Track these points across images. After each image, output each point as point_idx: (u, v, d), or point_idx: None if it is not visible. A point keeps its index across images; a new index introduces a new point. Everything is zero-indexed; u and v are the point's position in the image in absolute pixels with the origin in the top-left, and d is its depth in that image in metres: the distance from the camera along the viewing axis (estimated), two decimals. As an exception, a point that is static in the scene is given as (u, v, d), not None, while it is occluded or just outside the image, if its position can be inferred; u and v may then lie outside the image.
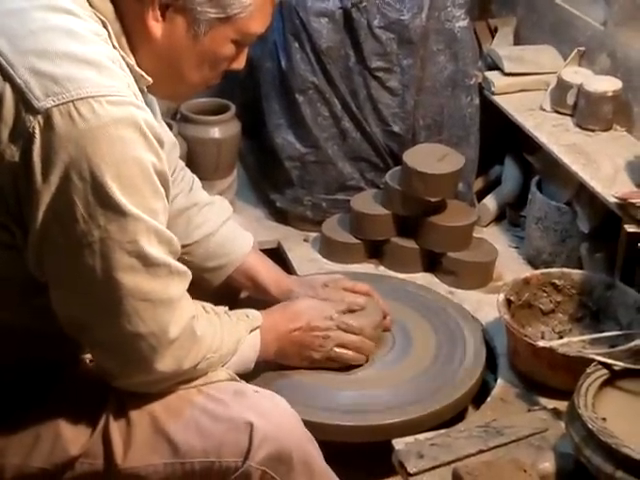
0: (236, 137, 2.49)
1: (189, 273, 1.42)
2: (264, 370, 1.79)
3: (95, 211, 1.25)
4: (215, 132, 2.45)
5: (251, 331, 1.62)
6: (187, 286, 1.41)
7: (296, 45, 2.37)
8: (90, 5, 1.33)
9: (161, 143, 1.32)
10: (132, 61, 1.36)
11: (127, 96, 1.27)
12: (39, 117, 1.22)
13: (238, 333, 1.58)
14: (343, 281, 1.93)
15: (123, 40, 1.35)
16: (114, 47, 1.34)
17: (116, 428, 1.43)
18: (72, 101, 1.22)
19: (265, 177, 2.60)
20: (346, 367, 1.85)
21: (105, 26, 1.33)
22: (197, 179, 1.88)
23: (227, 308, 1.61)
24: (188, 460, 1.43)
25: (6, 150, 1.24)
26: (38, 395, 1.44)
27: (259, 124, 2.53)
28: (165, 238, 1.34)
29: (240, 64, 1.50)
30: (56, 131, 1.22)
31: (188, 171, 1.86)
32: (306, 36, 2.36)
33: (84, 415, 1.44)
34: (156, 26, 1.36)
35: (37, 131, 1.22)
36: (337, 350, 1.80)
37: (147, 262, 1.31)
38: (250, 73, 2.63)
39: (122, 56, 1.34)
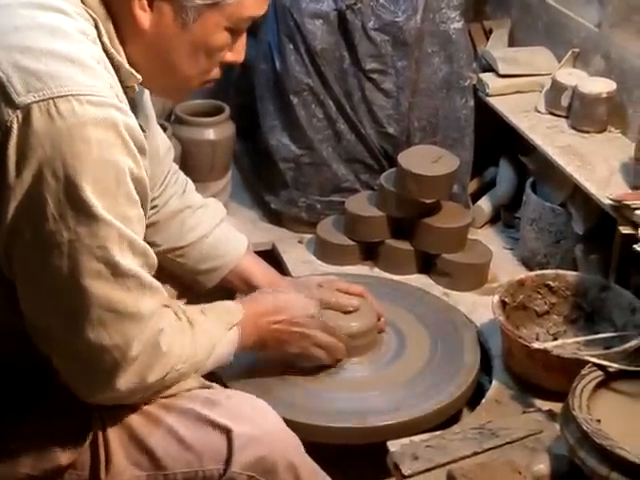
0: (230, 139, 2.49)
1: (162, 290, 1.38)
2: (260, 373, 1.80)
3: (66, 212, 1.22)
4: (209, 134, 2.45)
5: (230, 328, 1.57)
6: (160, 303, 1.37)
7: (290, 47, 2.37)
8: (82, 2, 1.32)
9: (141, 149, 1.29)
10: (123, 59, 1.34)
11: (108, 97, 1.25)
12: (18, 112, 1.20)
13: (215, 337, 1.52)
14: (337, 282, 1.93)
15: (114, 37, 1.33)
16: (103, 45, 1.32)
17: (101, 441, 1.42)
18: (52, 98, 1.20)
19: (260, 179, 2.60)
20: (316, 367, 1.84)
21: (96, 24, 1.32)
22: (190, 181, 1.87)
23: (206, 306, 1.55)
24: (171, 472, 1.42)
25: None
26: (28, 399, 1.43)
27: (253, 126, 2.53)
28: (139, 249, 1.31)
29: (238, 56, 1.46)
30: (34, 127, 1.20)
31: (181, 173, 1.85)
32: (300, 38, 2.36)
33: (74, 425, 1.42)
34: (143, 16, 1.34)
35: (15, 126, 1.20)
36: (311, 349, 1.77)
37: (116, 271, 1.27)
38: (244, 74, 2.63)
39: (111, 55, 1.33)
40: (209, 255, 1.80)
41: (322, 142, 2.43)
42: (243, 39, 1.45)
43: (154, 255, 1.36)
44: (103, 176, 1.23)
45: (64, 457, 1.41)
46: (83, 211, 1.23)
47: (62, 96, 1.20)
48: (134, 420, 1.43)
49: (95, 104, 1.22)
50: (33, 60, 1.22)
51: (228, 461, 1.40)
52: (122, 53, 1.34)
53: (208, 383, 1.53)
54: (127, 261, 1.29)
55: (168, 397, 1.46)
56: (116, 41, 1.34)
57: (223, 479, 1.41)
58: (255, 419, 1.45)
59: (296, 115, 2.41)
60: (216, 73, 1.47)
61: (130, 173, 1.27)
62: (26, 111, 1.20)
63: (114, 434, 1.42)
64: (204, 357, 1.49)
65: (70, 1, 1.31)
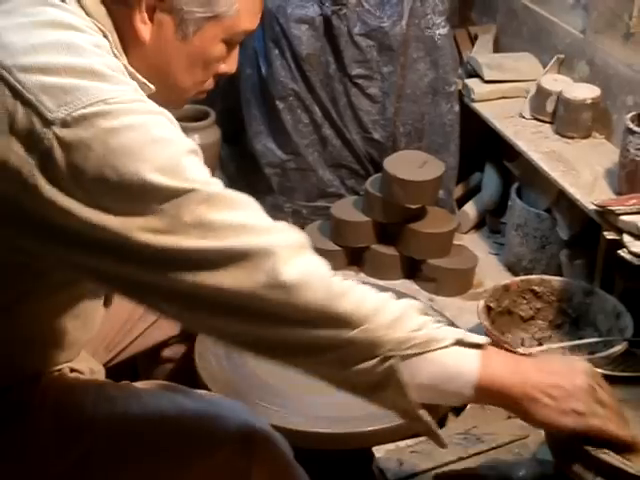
0: (216, 144, 2.49)
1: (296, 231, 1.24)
2: (245, 378, 1.79)
3: (143, 208, 1.16)
4: (195, 138, 2.44)
5: (464, 345, 1.18)
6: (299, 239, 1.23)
7: (276, 52, 2.37)
8: (88, 15, 1.33)
9: (177, 125, 1.26)
10: (132, 69, 1.35)
11: (136, 96, 1.24)
12: (54, 128, 1.20)
13: (431, 328, 1.17)
14: None
15: (120, 48, 1.35)
16: (116, 57, 1.33)
17: (98, 454, 1.39)
18: (84, 107, 1.20)
19: (245, 184, 2.59)
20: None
21: (106, 36, 1.33)
22: None
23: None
24: None
25: (24, 165, 1.21)
26: (17, 409, 1.42)
27: (239, 131, 2.53)
28: (231, 198, 1.21)
29: (231, 67, 1.46)
30: (76, 136, 1.17)
31: None
32: (286, 43, 2.36)
33: (62, 438, 1.41)
34: (144, 29, 1.35)
35: (55, 142, 1.19)
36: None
37: (213, 227, 1.16)
38: (230, 80, 2.63)
39: (125, 65, 1.34)
40: None
41: (308, 147, 2.43)
42: (236, 50, 1.47)
43: (255, 202, 1.25)
44: (160, 153, 1.18)
45: (54, 468, 1.39)
46: (166, 200, 1.16)
47: (93, 103, 1.20)
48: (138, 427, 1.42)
49: (126, 102, 1.21)
50: (56, 77, 1.22)
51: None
52: (129, 64, 1.35)
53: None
54: (223, 215, 1.18)
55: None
56: (123, 53, 1.35)
57: None
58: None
59: (282, 120, 2.41)
60: (210, 84, 1.48)
61: (184, 142, 1.23)
62: (62, 124, 1.20)
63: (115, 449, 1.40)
64: (401, 334, 1.14)
65: (79, 16, 1.32)
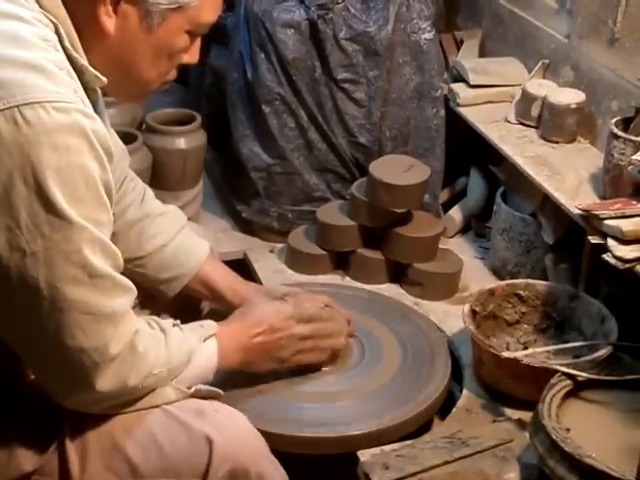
0: (202, 148, 2.48)
1: (134, 288, 1.39)
2: (230, 383, 1.79)
3: (39, 219, 1.22)
4: (181, 143, 2.44)
5: (205, 339, 1.57)
6: (132, 301, 1.38)
7: (262, 56, 2.37)
8: (40, 6, 1.31)
9: (109, 154, 1.30)
10: (86, 62, 1.34)
11: (74, 103, 1.25)
12: None
13: (189, 345, 1.52)
14: (302, 294, 1.92)
15: (76, 41, 1.33)
16: (65, 50, 1.31)
17: (73, 446, 1.41)
18: (17, 106, 1.20)
19: (231, 188, 2.59)
20: (314, 367, 1.85)
21: (56, 28, 1.31)
22: (149, 189, 1.84)
23: (178, 321, 1.56)
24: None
25: None
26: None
27: (225, 135, 2.53)
28: (110, 251, 1.32)
29: (193, 57, 1.48)
30: (1, 136, 1.20)
31: (139, 181, 1.82)
32: (272, 47, 2.36)
33: (39, 431, 1.41)
34: (109, 21, 1.34)
35: None
36: (300, 345, 1.76)
37: (92, 273, 1.28)
38: (216, 83, 2.63)
39: (74, 59, 1.32)
40: (170, 264, 1.79)
41: (294, 151, 2.43)
42: (198, 41, 1.47)
43: (121, 257, 1.36)
44: (73, 181, 1.23)
45: (28, 464, 1.40)
46: (57, 217, 1.23)
47: (27, 104, 1.20)
48: (115, 424, 1.42)
49: (61, 110, 1.22)
50: None
51: (205, 475, 1.40)
52: (84, 57, 1.34)
53: (187, 391, 1.51)
54: (100, 263, 1.29)
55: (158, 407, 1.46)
56: (78, 45, 1.33)
57: None
58: (232, 434, 1.44)
59: (268, 124, 2.41)
60: (173, 75, 1.49)
61: (99, 177, 1.27)
62: None
63: (91, 438, 1.41)
64: (180, 364, 1.48)
65: (28, 7, 1.30)
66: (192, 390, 1.50)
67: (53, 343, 1.30)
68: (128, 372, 1.37)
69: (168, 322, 1.53)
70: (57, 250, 1.24)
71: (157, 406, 1.45)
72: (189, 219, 2.00)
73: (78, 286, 1.28)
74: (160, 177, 2.40)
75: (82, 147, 1.24)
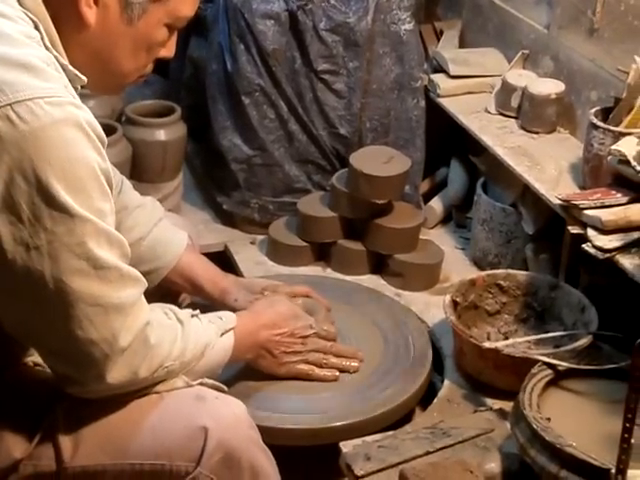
0: (182, 139, 2.48)
1: (142, 279, 1.39)
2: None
3: (41, 213, 1.23)
4: (161, 134, 2.43)
5: (223, 334, 1.59)
6: (141, 292, 1.39)
7: (242, 47, 2.36)
8: (20, 4, 1.31)
9: (103, 142, 1.31)
10: (65, 61, 1.34)
11: (65, 96, 1.26)
12: None
13: (207, 337, 1.53)
14: (282, 287, 1.93)
15: (56, 38, 1.33)
16: (47, 48, 1.32)
17: (65, 430, 1.41)
18: (10, 104, 1.21)
19: (211, 180, 2.58)
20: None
21: (37, 27, 1.31)
22: (126, 180, 1.83)
23: (198, 312, 1.57)
24: (137, 461, 1.41)
25: None
26: None
27: (205, 126, 2.52)
28: (116, 241, 1.32)
29: (170, 51, 1.49)
30: None
31: (117, 172, 1.81)
32: (252, 38, 2.35)
33: (28, 419, 1.42)
34: (89, 12, 1.34)
35: None
36: (310, 357, 1.83)
37: (97, 265, 1.29)
38: (195, 75, 2.62)
39: (56, 57, 1.32)
40: (147, 257, 1.78)
41: (274, 143, 2.43)
42: (175, 35, 1.48)
43: (128, 245, 1.37)
44: (73, 173, 1.24)
45: (17, 451, 1.40)
46: (58, 210, 1.24)
47: (19, 101, 1.21)
48: (111, 408, 1.42)
49: (54, 104, 1.23)
50: None
51: (199, 460, 1.40)
52: (64, 55, 1.34)
53: (192, 383, 1.51)
54: (106, 254, 1.30)
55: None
56: (58, 43, 1.33)
57: (188, 478, 1.40)
58: (228, 422, 1.44)
59: (248, 116, 2.40)
60: (150, 68, 1.50)
61: (99, 166, 1.28)
62: None
63: (85, 421, 1.41)
64: (194, 358, 1.50)
65: (9, 4, 1.30)
66: (198, 383, 1.50)
67: (63, 335, 1.31)
68: (139, 364, 1.38)
69: (187, 313, 1.54)
70: (60, 243, 1.25)
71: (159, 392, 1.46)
72: (169, 211, 1.99)
73: (84, 278, 1.28)
74: (140, 169, 2.39)
75: (79, 139, 1.25)
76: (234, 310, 1.76)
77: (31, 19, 1.31)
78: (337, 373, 1.86)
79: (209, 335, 1.55)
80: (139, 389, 1.43)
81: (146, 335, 1.38)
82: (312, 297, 1.93)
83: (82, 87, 1.42)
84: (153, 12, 1.38)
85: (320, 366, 1.84)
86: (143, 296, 1.40)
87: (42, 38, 1.31)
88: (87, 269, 1.28)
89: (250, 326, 1.69)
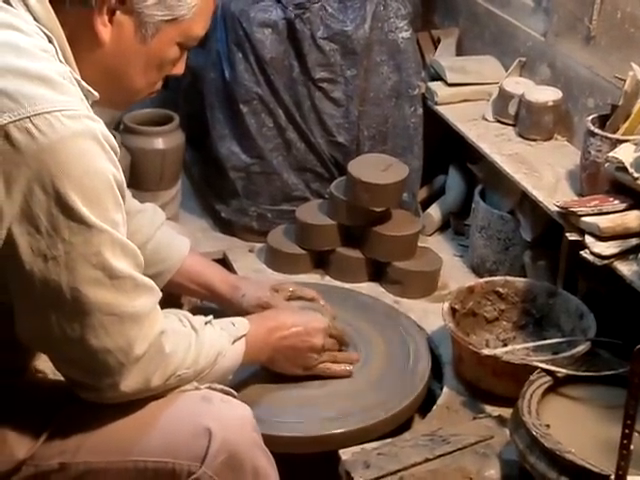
0: (180, 148, 2.48)
1: (157, 288, 1.41)
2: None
3: (59, 224, 1.25)
4: (159, 143, 2.43)
5: (235, 341, 1.61)
6: (156, 301, 1.40)
7: (240, 55, 2.37)
8: (35, 20, 1.33)
9: (117, 153, 1.33)
10: (78, 76, 1.36)
11: (82, 110, 1.28)
12: None
13: (220, 345, 1.55)
14: (289, 284, 1.97)
15: (69, 54, 1.35)
16: (61, 63, 1.33)
17: (70, 427, 1.42)
18: (29, 117, 1.23)
19: (210, 188, 2.59)
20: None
21: (51, 41, 1.33)
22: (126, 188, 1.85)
23: (211, 317, 1.58)
24: (141, 459, 1.42)
25: None
26: None
27: (203, 135, 2.52)
28: (130, 251, 1.34)
29: (180, 69, 1.51)
30: (16, 147, 1.22)
31: None
32: (249, 46, 2.36)
33: (33, 421, 1.42)
34: (104, 31, 1.36)
35: None
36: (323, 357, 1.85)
37: (112, 275, 1.30)
38: (194, 83, 2.63)
39: (70, 71, 1.34)
40: (151, 260, 1.79)
41: (272, 151, 2.43)
42: (185, 54, 1.50)
43: (141, 255, 1.38)
44: (90, 185, 1.26)
45: (21, 451, 1.41)
46: (75, 221, 1.26)
47: (38, 114, 1.23)
48: (118, 408, 1.42)
49: (71, 117, 1.25)
50: (1, 80, 1.24)
51: (203, 461, 1.40)
52: (77, 71, 1.36)
53: (201, 387, 1.52)
54: (121, 264, 1.32)
55: None
56: (72, 58, 1.35)
57: (191, 477, 1.41)
58: (234, 425, 1.44)
59: (246, 124, 2.40)
60: (159, 85, 1.52)
61: (114, 179, 1.30)
62: (4, 132, 1.22)
63: (93, 415, 1.42)
64: (207, 366, 1.51)
65: (23, 19, 1.32)
66: (207, 387, 1.51)
67: (78, 344, 1.32)
68: (153, 372, 1.40)
69: (200, 320, 1.55)
70: (77, 253, 1.27)
71: None
72: (168, 219, 1.99)
73: (100, 288, 1.30)
74: (138, 177, 2.39)
75: (96, 151, 1.27)
76: (241, 305, 1.81)
77: (45, 34, 1.32)
78: (349, 368, 1.89)
79: (222, 343, 1.56)
80: (149, 396, 1.44)
81: (161, 344, 1.40)
82: (319, 301, 1.94)
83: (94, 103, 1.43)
84: (166, 31, 1.40)
85: (334, 363, 1.87)
86: (158, 305, 1.41)
87: (56, 52, 1.33)
88: (103, 279, 1.30)
89: (262, 331, 1.70)
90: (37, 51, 1.29)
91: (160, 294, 1.42)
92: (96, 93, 1.38)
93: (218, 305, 1.90)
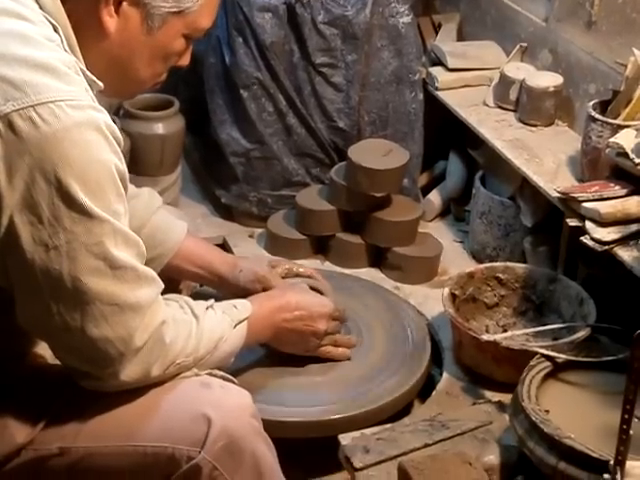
0: (180, 133, 2.47)
1: (158, 279, 1.41)
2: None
3: (60, 213, 1.25)
4: (159, 128, 2.43)
5: (236, 325, 1.60)
6: (158, 292, 1.40)
7: (240, 40, 2.36)
8: (40, 8, 1.33)
9: (120, 144, 1.33)
10: (83, 66, 1.36)
11: (86, 100, 1.28)
12: None
13: (221, 331, 1.55)
14: (288, 263, 1.98)
15: (74, 43, 1.35)
16: (66, 52, 1.33)
17: (70, 412, 1.42)
18: (32, 106, 1.23)
19: (210, 173, 2.58)
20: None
21: (56, 30, 1.33)
22: None
23: (212, 302, 1.58)
24: (141, 444, 1.42)
25: None
26: None
27: (203, 120, 2.52)
28: (132, 241, 1.34)
29: (186, 61, 1.52)
30: (19, 135, 1.22)
31: None
32: (250, 31, 2.35)
33: (33, 406, 1.43)
34: (110, 22, 1.37)
35: None
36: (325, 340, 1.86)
37: (113, 265, 1.31)
38: (194, 68, 2.61)
39: (75, 61, 1.34)
40: (147, 244, 1.77)
41: (272, 136, 2.43)
42: (191, 45, 1.50)
43: (143, 245, 1.39)
44: (93, 175, 1.27)
45: (21, 436, 1.41)
46: (77, 211, 1.26)
47: (42, 103, 1.24)
48: (118, 395, 1.43)
49: (75, 107, 1.25)
50: (7, 68, 1.25)
51: (202, 446, 1.40)
52: (82, 61, 1.36)
53: (201, 374, 1.52)
54: (122, 254, 1.32)
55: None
56: (77, 48, 1.36)
57: (191, 464, 1.41)
58: (233, 411, 1.44)
59: (246, 109, 2.40)
60: (164, 76, 1.52)
61: (116, 169, 1.30)
62: (8, 120, 1.22)
63: (93, 401, 1.42)
64: (206, 353, 1.51)
65: (30, 7, 1.33)
66: (207, 373, 1.51)
67: (79, 333, 1.32)
68: (153, 362, 1.40)
69: (201, 306, 1.55)
70: (79, 243, 1.27)
71: None
72: (167, 204, 1.99)
73: (101, 278, 1.30)
74: (138, 162, 2.39)
75: (99, 141, 1.27)
76: (238, 280, 1.82)
77: (51, 23, 1.33)
78: (348, 352, 1.90)
79: (223, 328, 1.56)
80: (150, 384, 1.44)
81: (162, 334, 1.40)
82: (316, 278, 1.94)
83: (99, 93, 1.44)
84: (173, 23, 1.40)
85: (335, 345, 1.88)
86: (160, 297, 1.41)
87: (62, 42, 1.33)
88: (104, 269, 1.30)
89: (265, 311, 1.70)
90: (43, 40, 1.30)
91: (162, 285, 1.42)
92: (101, 83, 1.38)
93: (217, 288, 1.89)
